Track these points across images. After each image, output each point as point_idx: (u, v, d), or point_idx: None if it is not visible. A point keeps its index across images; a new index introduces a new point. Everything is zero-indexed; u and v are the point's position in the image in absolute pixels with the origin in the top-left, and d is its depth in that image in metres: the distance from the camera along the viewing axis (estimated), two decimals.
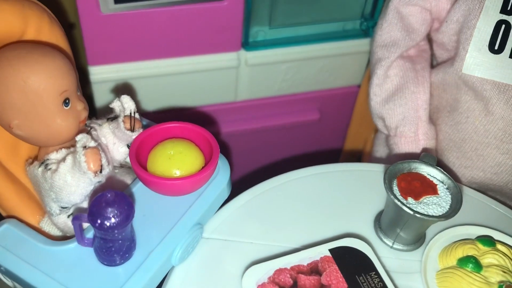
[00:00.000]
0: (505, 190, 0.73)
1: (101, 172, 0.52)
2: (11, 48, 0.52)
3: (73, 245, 0.53)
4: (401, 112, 0.74)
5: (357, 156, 1.09)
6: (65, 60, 0.54)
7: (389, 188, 0.58)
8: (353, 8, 0.88)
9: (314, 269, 0.55)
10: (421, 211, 0.56)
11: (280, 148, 1.04)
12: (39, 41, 0.56)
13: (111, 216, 0.48)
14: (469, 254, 0.58)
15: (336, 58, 0.92)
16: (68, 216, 0.57)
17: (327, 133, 1.05)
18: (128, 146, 0.60)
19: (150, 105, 0.88)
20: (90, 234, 0.53)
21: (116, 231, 0.49)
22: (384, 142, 0.82)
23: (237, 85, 0.89)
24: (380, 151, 0.84)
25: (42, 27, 0.56)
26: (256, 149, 1.02)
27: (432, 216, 0.56)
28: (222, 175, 0.62)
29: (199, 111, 0.92)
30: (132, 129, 0.58)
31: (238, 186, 0.68)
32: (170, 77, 0.84)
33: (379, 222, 0.63)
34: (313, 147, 1.07)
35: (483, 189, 0.74)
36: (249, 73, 0.88)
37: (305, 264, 0.55)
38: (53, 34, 0.58)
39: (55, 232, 0.60)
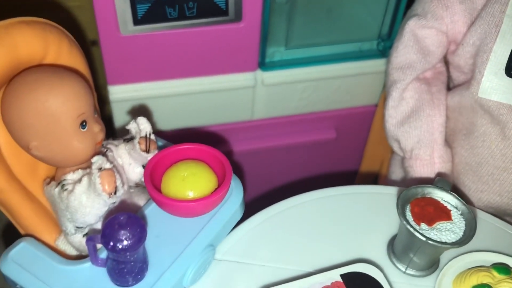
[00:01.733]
0: None
1: (115, 193, 0.53)
2: (31, 72, 0.54)
3: (87, 265, 0.54)
4: (417, 134, 0.74)
5: (374, 177, 1.09)
6: (83, 83, 0.55)
7: (402, 213, 0.57)
8: (370, 28, 0.88)
9: None
10: (434, 237, 0.56)
11: (296, 168, 1.05)
12: (58, 65, 0.57)
13: (123, 238, 0.49)
14: (484, 282, 0.57)
15: (353, 78, 0.92)
16: (84, 236, 0.58)
17: (344, 152, 1.05)
18: (143, 166, 0.61)
19: (168, 124, 0.89)
20: (103, 255, 0.54)
21: (128, 253, 0.50)
22: (400, 164, 0.81)
23: (253, 104, 0.90)
24: (397, 172, 0.83)
25: (62, 51, 0.58)
26: (272, 168, 1.02)
27: (445, 243, 0.55)
28: (235, 196, 0.63)
29: (216, 130, 0.93)
30: (147, 151, 0.59)
31: (253, 205, 0.69)
32: (188, 97, 0.85)
33: (392, 246, 0.63)
34: (329, 167, 1.07)
35: (500, 214, 0.72)
36: (265, 92, 0.89)
37: None
38: (72, 57, 0.59)
39: (71, 250, 0.61)
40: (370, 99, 0.97)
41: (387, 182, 0.87)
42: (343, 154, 1.05)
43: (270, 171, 1.02)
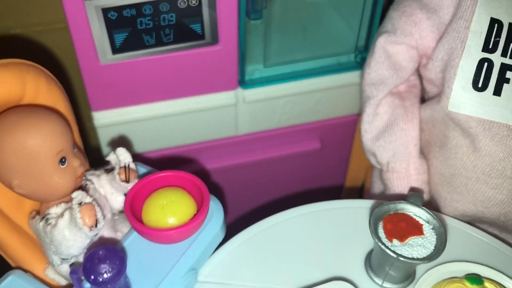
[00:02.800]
0: (498, 223, 0.73)
1: (96, 226, 0.55)
2: (9, 114, 0.56)
3: None
4: (392, 148, 0.76)
5: (361, 186, 1.10)
6: (60, 121, 0.57)
7: (374, 231, 0.60)
8: (346, 42, 0.90)
9: None
10: (405, 253, 0.58)
11: (283, 181, 1.06)
12: (36, 104, 0.59)
13: (103, 272, 0.51)
14: None
15: (333, 90, 0.93)
16: (70, 266, 0.60)
17: (330, 162, 1.07)
18: (125, 195, 0.64)
19: (154, 145, 0.91)
20: (88, 285, 0.56)
21: (109, 285, 0.52)
22: (380, 176, 0.83)
23: (237, 121, 0.92)
24: (378, 182, 0.85)
25: (39, 89, 0.60)
26: (259, 182, 1.04)
27: (416, 259, 0.57)
28: (215, 219, 0.65)
29: (202, 147, 0.95)
30: (127, 181, 0.62)
31: (235, 225, 0.71)
32: (172, 118, 0.87)
33: (369, 261, 0.65)
34: (316, 179, 1.09)
35: (476, 222, 0.74)
36: (247, 109, 0.91)
37: None
38: (50, 94, 0.61)
39: (60, 279, 0.63)
40: (351, 108, 0.99)
41: (370, 193, 0.89)
42: (329, 164, 1.07)
43: (256, 186, 1.04)
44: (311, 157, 1.04)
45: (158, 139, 0.90)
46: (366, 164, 1.05)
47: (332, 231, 0.69)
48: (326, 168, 1.08)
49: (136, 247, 0.61)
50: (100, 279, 0.51)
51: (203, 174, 0.98)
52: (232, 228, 0.70)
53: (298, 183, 1.08)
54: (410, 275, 0.64)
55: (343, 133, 1.03)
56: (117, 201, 0.64)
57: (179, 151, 0.94)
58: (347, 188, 1.12)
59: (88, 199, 0.55)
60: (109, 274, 0.51)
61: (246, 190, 1.04)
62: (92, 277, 0.51)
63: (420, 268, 0.64)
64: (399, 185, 0.76)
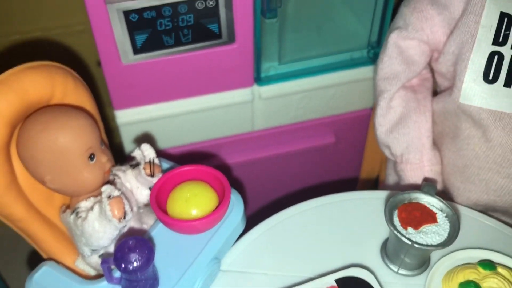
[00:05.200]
0: (510, 211, 0.75)
1: (124, 218, 0.58)
2: (41, 113, 0.59)
3: (103, 284, 0.60)
4: (405, 140, 0.78)
5: (375, 178, 1.12)
6: (89, 119, 0.61)
7: (389, 219, 0.62)
8: (359, 38, 0.92)
9: None
10: (420, 240, 0.60)
11: (298, 175, 1.09)
12: (65, 104, 0.63)
13: (133, 260, 0.54)
14: (470, 278, 0.61)
15: (346, 86, 0.96)
16: (99, 256, 0.64)
17: (344, 156, 1.09)
18: (150, 189, 0.67)
19: (174, 141, 0.94)
20: (118, 274, 0.59)
21: (139, 273, 0.55)
22: (394, 167, 0.85)
23: (253, 117, 0.95)
24: (392, 174, 0.87)
25: (68, 90, 0.63)
26: (275, 177, 1.07)
27: (430, 245, 0.59)
28: (236, 211, 0.67)
29: (220, 143, 0.98)
30: (152, 175, 0.65)
31: (256, 214, 0.74)
32: (190, 115, 0.90)
33: (385, 249, 0.67)
34: (331, 172, 1.11)
35: (489, 211, 0.76)
36: (263, 105, 0.93)
37: None
38: (77, 94, 0.65)
39: (90, 270, 0.66)
40: (365, 103, 1.01)
41: (385, 184, 0.91)
42: (343, 158, 1.10)
43: (273, 179, 1.07)
44: (326, 151, 1.06)
45: (177, 136, 0.93)
46: (380, 157, 1.07)
47: (348, 221, 0.71)
48: (341, 161, 1.10)
49: (161, 238, 0.64)
50: (130, 268, 0.54)
51: (221, 169, 1.00)
52: (252, 220, 0.72)
53: (313, 176, 1.11)
54: (424, 262, 0.66)
55: (357, 127, 1.05)
56: (143, 195, 0.67)
57: (197, 148, 0.97)
58: (362, 181, 1.15)
59: (116, 193, 0.58)
60: (138, 263, 0.54)
61: (263, 184, 1.07)
62: (123, 265, 0.54)
63: (434, 255, 0.67)
64: (413, 176, 0.79)
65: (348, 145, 1.07)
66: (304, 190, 1.12)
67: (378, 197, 0.74)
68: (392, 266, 0.66)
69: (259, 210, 1.10)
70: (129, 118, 0.87)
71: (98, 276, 0.65)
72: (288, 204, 0.74)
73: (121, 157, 0.79)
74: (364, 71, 0.95)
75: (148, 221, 0.68)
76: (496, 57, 0.67)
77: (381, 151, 0.98)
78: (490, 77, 0.68)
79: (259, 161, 1.01)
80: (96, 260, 0.64)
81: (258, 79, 0.90)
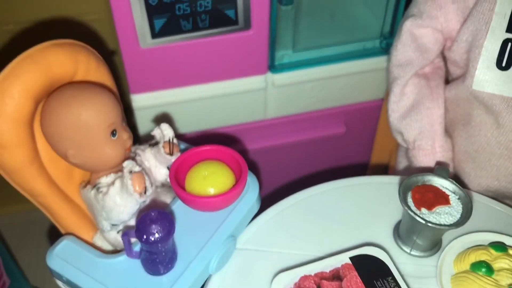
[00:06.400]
0: None
1: (145, 193, 0.60)
2: (65, 89, 0.61)
3: (123, 257, 0.61)
4: (418, 127, 0.79)
5: (384, 167, 1.14)
6: (111, 96, 0.62)
7: (403, 200, 0.63)
8: (372, 28, 0.93)
9: (335, 276, 0.61)
10: (433, 220, 0.61)
11: (309, 163, 1.10)
12: (88, 81, 0.64)
13: (155, 232, 0.55)
14: (482, 259, 0.62)
15: (358, 75, 0.97)
16: (118, 232, 0.65)
17: (354, 145, 1.10)
18: (168, 168, 0.68)
19: (188, 127, 0.95)
20: (137, 248, 0.61)
21: (159, 245, 0.56)
22: (406, 154, 0.87)
23: (266, 105, 0.96)
24: (403, 162, 0.89)
25: (90, 68, 0.64)
26: (286, 164, 1.08)
27: (444, 225, 0.61)
28: (251, 191, 0.69)
29: (232, 130, 0.99)
30: (171, 153, 0.66)
31: (268, 199, 0.75)
32: (205, 101, 0.92)
33: (398, 230, 0.69)
34: (341, 161, 1.13)
35: (499, 197, 0.78)
36: (276, 93, 0.95)
37: (328, 271, 0.61)
38: (99, 72, 0.66)
39: (107, 246, 0.67)
40: (376, 93, 1.02)
41: (395, 172, 0.93)
42: (353, 147, 1.11)
43: (284, 166, 1.08)
44: (335, 141, 1.07)
45: (191, 121, 0.95)
46: (390, 149, 1.08)
47: (361, 204, 0.73)
48: (350, 152, 1.12)
49: (179, 215, 0.65)
50: (152, 239, 0.55)
51: None
52: (264, 203, 0.74)
53: (323, 165, 1.12)
54: (436, 244, 0.67)
55: (368, 117, 1.06)
56: (161, 173, 0.69)
57: (208, 134, 0.98)
58: (371, 169, 1.16)
59: (138, 168, 0.60)
60: (160, 234, 0.55)
61: (274, 171, 1.08)
62: (145, 236, 0.55)
63: (446, 237, 0.68)
64: (425, 162, 0.80)
65: (358, 136, 1.09)
66: (312, 176, 1.13)
67: (391, 181, 0.75)
68: (404, 248, 0.67)
69: (270, 195, 1.11)
70: (144, 103, 0.88)
71: (115, 252, 0.66)
72: (299, 189, 0.76)
73: (135, 142, 0.80)
74: (376, 62, 0.96)
75: (166, 200, 0.69)
76: (509, 44, 0.69)
77: (391, 141, 1.00)
78: (503, 64, 0.69)
79: (270, 149, 1.03)
80: (114, 235, 0.65)
81: (272, 67, 0.91)
